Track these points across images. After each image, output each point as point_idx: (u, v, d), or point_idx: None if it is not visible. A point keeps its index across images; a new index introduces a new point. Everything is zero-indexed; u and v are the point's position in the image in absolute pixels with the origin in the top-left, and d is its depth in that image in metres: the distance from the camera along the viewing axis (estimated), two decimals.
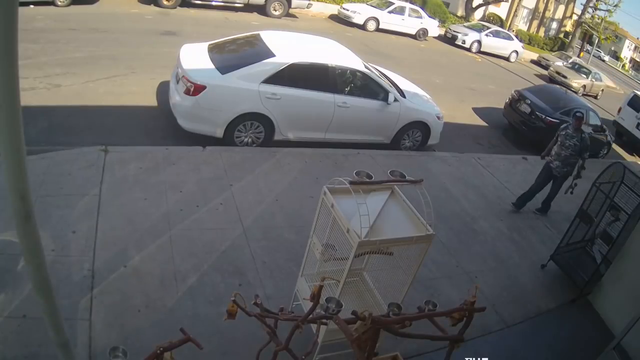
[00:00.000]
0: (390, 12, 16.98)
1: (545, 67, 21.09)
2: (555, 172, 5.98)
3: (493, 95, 12.24)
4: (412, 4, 18.97)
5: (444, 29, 20.03)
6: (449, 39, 18.87)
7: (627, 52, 49.96)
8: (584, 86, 17.90)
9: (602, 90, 19.48)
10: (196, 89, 5.43)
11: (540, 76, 18.98)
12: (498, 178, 6.98)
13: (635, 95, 12.50)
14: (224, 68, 5.68)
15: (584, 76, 18.34)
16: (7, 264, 3.34)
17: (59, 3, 9.93)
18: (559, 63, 19.77)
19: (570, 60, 20.93)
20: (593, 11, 29.74)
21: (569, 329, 4.47)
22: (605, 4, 29.09)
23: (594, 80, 18.55)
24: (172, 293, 3.53)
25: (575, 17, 32.32)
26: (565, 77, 17.80)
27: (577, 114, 5.77)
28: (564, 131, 5.93)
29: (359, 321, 2.11)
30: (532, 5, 29.88)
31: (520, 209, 6.21)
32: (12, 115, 1.36)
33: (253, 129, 5.92)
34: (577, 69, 18.74)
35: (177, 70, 5.82)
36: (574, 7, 33.12)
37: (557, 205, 6.71)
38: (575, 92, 16.50)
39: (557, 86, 11.73)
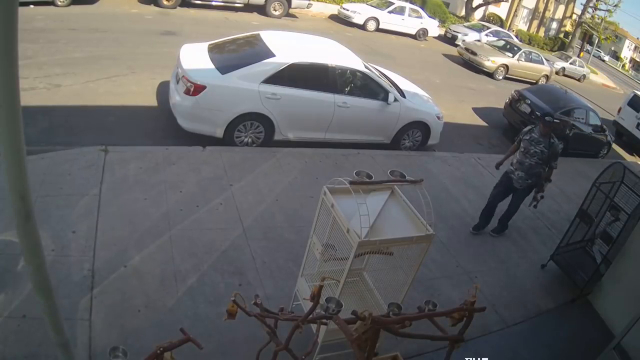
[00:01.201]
0: (390, 12, 16.98)
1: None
2: (517, 183, 5.12)
3: (493, 95, 12.24)
4: (412, 4, 18.98)
5: (444, 29, 20.04)
6: (449, 39, 18.87)
7: (627, 52, 49.98)
8: (505, 66, 14.32)
9: (546, 77, 15.58)
10: (196, 89, 5.43)
11: (449, 56, 15.88)
12: (498, 178, 6.95)
13: (635, 95, 12.51)
14: (224, 68, 5.68)
15: (509, 55, 14.63)
16: (7, 264, 3.34)
17: (59, 3, 9.93)
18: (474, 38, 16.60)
19: (502, 35, 18.14)
20: (593, 11, 29.76)
21: (569, 329, 4.47)
22: (605, 4, 29.12)
23: (522, 60, 14.81)
24: (172, 293, 3.53)
25: (575, 17, 32.34)
26: (474, 53, 14.40)
27: (546, 119, 4.85)
28: (527, 135, 4.98)
29: (359, 321, 2.11)
30: (532, 5, 29.90)
31: (483, 229, 5.44)
32: (12, 115, 1.36)
33: (253, 129, 5.92)
34: (506, 47, 15.45)
35: (177, 70, 5.82)
36: (574, 7, 33.15)
37: (557, 205, 6.71)
38: (491, 74, 14.19)
39: (557, 86, 11.72)
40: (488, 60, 14.14)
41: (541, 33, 30.47)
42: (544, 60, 16.15)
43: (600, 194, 4.83)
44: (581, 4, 30.58)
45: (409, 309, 2.77)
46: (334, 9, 17.54)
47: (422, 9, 18.90)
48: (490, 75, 14.46)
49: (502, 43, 16.28)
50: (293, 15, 15.16)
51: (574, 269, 4.98)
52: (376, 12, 16.73)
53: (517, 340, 4.13)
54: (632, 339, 3.78)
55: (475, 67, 14.62)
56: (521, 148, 5.04)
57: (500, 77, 14.53)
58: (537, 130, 4.93)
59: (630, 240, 4.57)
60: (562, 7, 32.26)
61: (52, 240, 3.65)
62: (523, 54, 15.21)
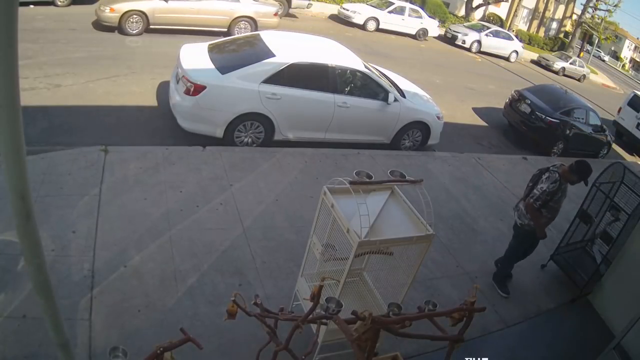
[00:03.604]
0: (390, 12, 16.98)
1: (546, 67, 21.10)
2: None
3: (493, 95, 12.24)
4: (412, 4, 18.98)
5: (444, 29, 20.03)
6: (449, 39, 18.86)
7: (627, 52, 49.99)
8: (140, 14, 8.96)
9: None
10: (196, 89, 5.43)
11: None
12: (498, 178, 6.98)
13: (635, 95, 12.51)
14: (224, 68, 5.68)
15: None
16: (7, 264, 3.34)
17: (59, 3, 9.93)
18: None
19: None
20: (593, 11, 29.76)
21: (569, 329, 4.47)
22: (605, 4, 29.12)
23: None
24: (172, 293, 3.53)
25: (575, 17, 32.33)
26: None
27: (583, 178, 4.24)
28: (559, 193, 4.13)
29: (359, 321, 2.11)
30: (532, 5, 29.88)
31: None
32: (12, 115, 1.36)
33: (253, 129, 5.92)
34: None
35: (177, 70, 5.82)
36: (574, 7, 33.14)
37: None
38: (120, 28, 8.69)
39: (558, 86, 11.71)
40: (106, 9, 8.87)
41: (541, 33, 30.46)
42: None
43: (600, 194, 4.84)
44: (581, 4, 30.60)
45: (409, 309, 2.77)
46: (333, 9, 17.53)
47: (422, 9, 18.90)
48: (121, 30, 9.04)
49: None
50: (293, 16, 15.15)
51: (574, 269, 4.98)
52: (376, 12, 16.73)
53: (516, 340, 4.13)
54: (632, 339, 3.78)
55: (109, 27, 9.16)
56: (555, 205, 4.16)
57: (135, 31, 9.06)
58: (560, 177, 4.13)
59: (630, 240, 4.57)
60: (562, 7, 32.25)
61: (52, 240, 3.64)
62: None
